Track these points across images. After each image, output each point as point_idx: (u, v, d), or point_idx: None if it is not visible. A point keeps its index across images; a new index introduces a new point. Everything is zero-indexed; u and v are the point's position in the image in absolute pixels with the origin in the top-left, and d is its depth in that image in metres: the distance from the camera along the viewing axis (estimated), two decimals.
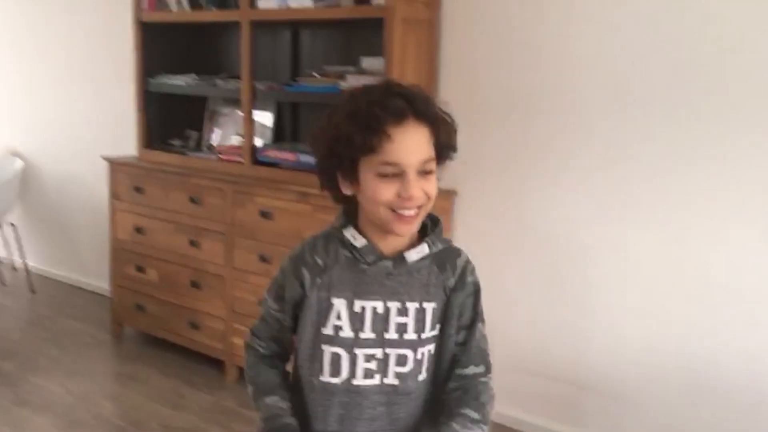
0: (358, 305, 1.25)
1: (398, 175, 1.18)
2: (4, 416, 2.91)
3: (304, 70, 3.33)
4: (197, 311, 3.35)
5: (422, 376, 1.28)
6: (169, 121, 3.67)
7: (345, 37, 3.24)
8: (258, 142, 3.34)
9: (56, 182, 4.57)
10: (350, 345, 1.25)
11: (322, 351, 1.26)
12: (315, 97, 3.07)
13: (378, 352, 1.25)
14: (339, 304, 1.25)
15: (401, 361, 1.26)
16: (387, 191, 1.18)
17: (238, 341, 3.22)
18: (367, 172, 1.19)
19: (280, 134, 3.45)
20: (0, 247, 4.67)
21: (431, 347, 1.28)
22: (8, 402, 3.03)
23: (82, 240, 4.50)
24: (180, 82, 3.44)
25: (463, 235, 2.96)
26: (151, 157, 3.52)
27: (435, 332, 1.28)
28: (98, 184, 3.92)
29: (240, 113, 3.27)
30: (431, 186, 1.21)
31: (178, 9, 3.36)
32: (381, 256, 1.26)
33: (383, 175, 1.18)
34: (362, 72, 2.97)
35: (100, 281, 4.28)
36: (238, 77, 3.22)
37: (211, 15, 3.27)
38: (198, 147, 3.60)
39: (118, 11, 3.87)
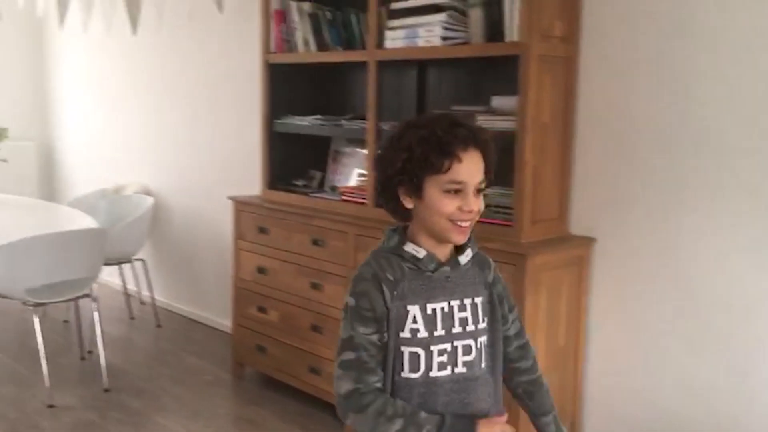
0: (429, 308, 1.42)
1: (459, 191, 1.38)
2: None
3: (429, 109, 3.22)
4: (318, 356, 3.27)
5: (484, 363, 1.48)
6: (293, 161, 3.66)
7: (474, 75, 3.11)
8: None
9: (184, 219, 4.68)
10: (426, 344, 1.41)
11: (402, 352, 1.41)
12: None
13: (448, 346, 1.43)
14: (413, 310, 1.41)
15: (466, 351, 1.45)
16: (450, 205, 1.38)
17: None
18: (432, 188, 1.38)
19: None
20: (130, 282, 4.82)
21: (485, 337, 1.48)
22: None
23: (206, 277, 4.57)
24: (305, 122, 3.42)
25: (602, 284, 2.74)
26: (275, 197, 3.50)
27: (486, 323, 1.49)
28: (223, 223, 3.95)
29: (363, 153, 3.20)
30: (481, 203, 1.42)
31: (305, 50, 3.35)
32: (440, 263, 1.45)
33: (448, 191, 1.38)
34: (492, 111, 2.83)
35: (221, 317, 4.32)
36: (362, 117, 3.15)
37: (339, 56, 3.23)
38: (321, 187, 3.56)
39: (247, 54, 3.93)
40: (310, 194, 3.40)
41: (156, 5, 4.21)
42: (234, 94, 4.21)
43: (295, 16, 3.36)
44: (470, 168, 1.38)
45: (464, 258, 1.48)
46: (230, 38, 4.24)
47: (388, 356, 1.41)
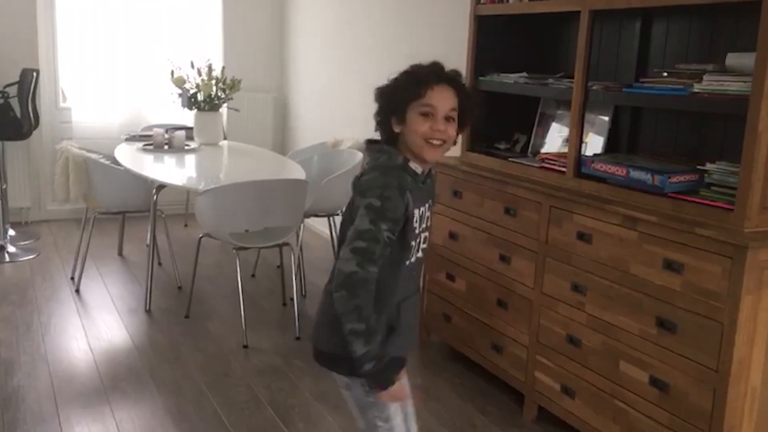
0: (420, 211, 1.76)
1: (431, 114, 1.72)
2: (303, 411, 2.95)
3: (652, 68, 2.78)
4: (501, 333, 3.04)
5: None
6: (498, 122, 3.40)
7: (707, 29, 2.61)
8: (590, 150, 2.90)
9: None
10: (416, 236, 1.77)
11: (410, 244, 1.75)
12: (659, 101, 2.51)
13: (421, 238, 1.80)
14: (416, 212, 1.74)
15: (425, 240, 1.83)
16: (424, 125, 1.72)
17: (541, 376, 2.83)
18: (411, 113, 1.72)
19: (615, 143, 2.95)
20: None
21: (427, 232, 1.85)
22: (310, 395, 3.07)
23: None
24: (509, 80, 3.14)
25: None
26: (473, 160, 3.28)
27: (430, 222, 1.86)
28: None
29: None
30: (452, 129, 1.75)
31: (516, 0, 3.06)
32: (425, 177, 1.80)
33: (423, 114, 1.72)
34: (725, 71, 2.34)
35: None
36: (573, 77, 2.80)
37: (550, 5, 2.89)
38: (524, 152, 3.27)
39: (460, 6, 3.72)
40: (510, 159, 3.13)
41: None
42: (443, 48, 4.03)
43: None
44: (440, 96, 1.72)
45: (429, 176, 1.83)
46: None
47: (404, 247, 1.73)
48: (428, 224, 1.84)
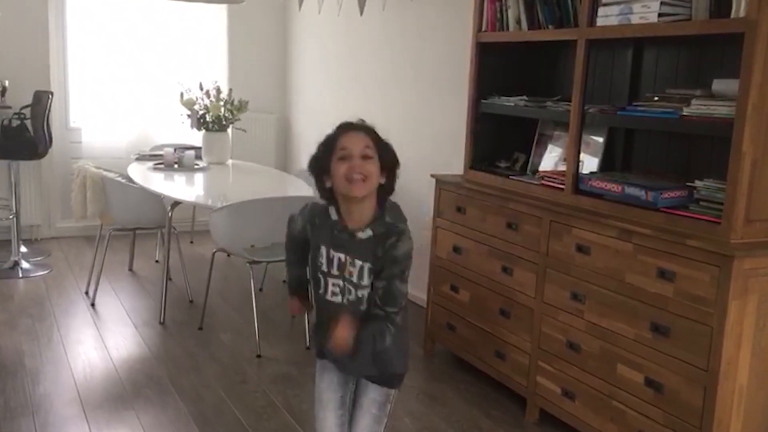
0: (330, 253, 1.96)
1: (347, 157, 1.90)
2: None
3: (644, 92, 2.99)
4: (504, 341, 3.22)
5: (363, 306, 1.98)
6: (498, 142, 3.61)
7: (695, 56, 2.83)
8: (586, 169, 3.10)
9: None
10: (323, 272, 1.99)
11: (316, 273, 2.01)
12: (651, 123, 2.72)
13: (340, 283, 1.97)
14: (322, 248, 1.97)
15: (350, 294, 1.98)
16: (343, 167, 1.90)
17: (543, 380, 3.01)
18: (333, 164, 1.92)
19: (609, 162, 3.15)
20: None
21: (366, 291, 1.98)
22: None
23: None
24: (510, 103, 3.35)
25: None
26: (475, 177, 3.48)
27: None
28: (426, 200, 4.02)
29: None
30: (372, 166, 1.92)
31: (516, 29, 3.27)
32: (349, 232, 1.96)
33: (341, 159, 1.90)
34: (711, 96, 2.55)
35: (419, 291, 4.40)
36: (569, 100, 3.01)
37: (548, 34, 3.11)
38: (524, 170, 3.48)
39: (460, 33, 3.93)
40: (510, 176, 3.33)
41: None
42: (445, 73, 4.24)
43: None
44: (351, 139, 1.92)
45: (362, 234, 1.95)
46: (445, 19, 4.27)
47: (312, 268, 2.02)
48: (353, 279, 1.95)
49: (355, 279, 1.96)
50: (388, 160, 1.97)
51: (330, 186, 1.95)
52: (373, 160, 1.92)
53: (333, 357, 2.06)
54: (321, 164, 1.95)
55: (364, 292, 1.97)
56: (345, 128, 1.96)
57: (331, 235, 1.96)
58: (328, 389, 2.12)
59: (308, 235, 2.02)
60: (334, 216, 1.97)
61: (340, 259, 1.95)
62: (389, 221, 1.97)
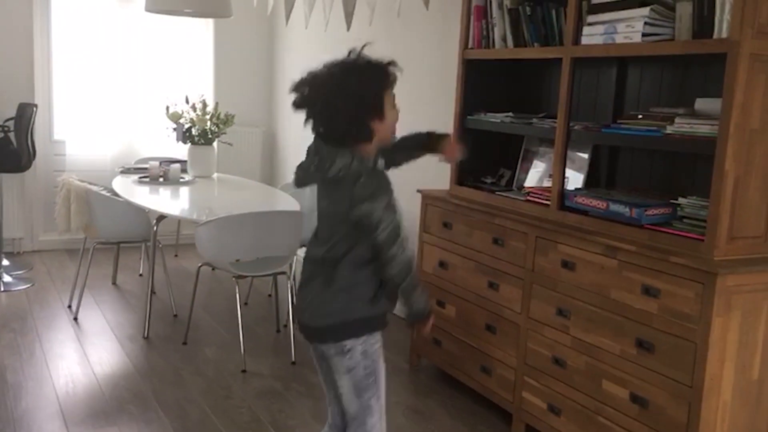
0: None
1: (395, 106, 1.92)
2: (303, 431, 3.10)
3: (628, 110, 3.03)
4: (490, 356, 3.23)
5: None
6: (484, 158, 3.64)
7: (678, 76, 2.87)
8: (571, 185, 3.13)
9: None
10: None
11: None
12: (635, 141, 2.75)
13: None
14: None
15: None
16: (395, 114, 1.93)
17: (528, 396, 3.02)
18: (387, 106, 1.87)
19: (594, 178, 3.18)
20: None
21: None
22: (309, 416, 3.22)
23: None
24: (496, 119, 3.38)
25: None
26: (461, 193, 3.50)
27: None
28: (412, 216, 4.03)
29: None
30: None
31: (502, 46, 3.31)
32: None
33: (393, 106, 1.90)
34: (694, 115, 2.59)
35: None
36: (555, 117, 3.04)
37: (533, 52, 3.15)
38: (509, 186, 3.50)
39: (446, 50, 3.97)
40: (496, 192, 3.35)
41: (369, 3, 4.39)
42: (432, 89, 4.27)
43: (495, 12, 3.33)
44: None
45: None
46: (432, 35, 4.30)
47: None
48: None
49: None
50: None
51: (374, 130, 1.87)
52: None
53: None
54: (376, 104, 1.84)
55: None
56: (389, 74, 1.90)
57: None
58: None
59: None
60: (382, 165, 1.94)
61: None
62: None
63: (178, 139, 5.06)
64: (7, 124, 4.93)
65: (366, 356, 2.05)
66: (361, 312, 2.02)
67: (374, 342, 2.07)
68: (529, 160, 3.50)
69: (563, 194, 2.96)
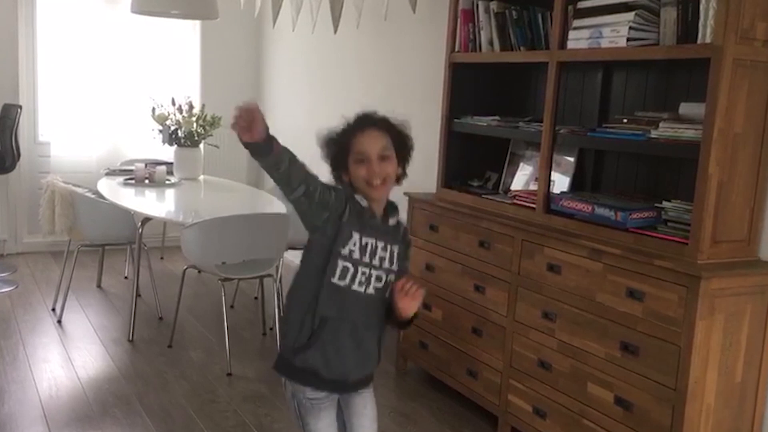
0: (362, 240, 1.87)
1: (365, 160, 1.86)
2: None
3: (613, 114, 3.05)
4: (476, 359, 3.23)
5: (386, 294, 1.93)
6: (471, 161, 3.64)
7: (663, 80, 2.89)
8: (557, 188, 3.14)
9: None
10: (352, 260, 1.87)
11: (336, 261, 1.85)
12: (620, 145, 2.77)
13: (367, 271, 1.89)
14: (355, 235, 1.86)
15: (378, 281, 1.91)
16: (361, 170, 1.87)
17: (514, 399, 3.02)
18: (351, 164, 1.88)
19: (580, 182, 3.20)
20: None
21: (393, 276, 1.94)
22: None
23: None
24: (482, 123, 3.38)
25: None
26: (448, 196, 3.51)
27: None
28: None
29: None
30: (390, 167, 1.88)
31: (488, 50, 3.32)
32: (379, 218, 1.92)
33: (357, 162, 1.87)
34: (679, 119, 2.61)
35: None
36: (541, 120, 3.05)
37: (519, 55, 3.16)
38: (496, 189, 3.51)
39: (433, 54, 3.97)
40: (483, 195, 3.36)
41: (356, 6, 4.39)
42: (419, 92, 4.27)
43: (481, 16, 3.34)
44: (369, 142, 1.86)
45: (392, 220, 1.96)
46: (419, 39, 4.31)
47: (329, 257, 1.85)
48: (383, 265, 1.89)
49: (386, 264, 1.90)
50: (405, 151, 1.93)
51: (348, 180, 1.90)
52: (391, 158, 1.88)
53: (332, 373, 1.91)
54: (338, 163, 1.90)
55: (392, 277, 1.91)
56: (361, 125, 1.88)
57: (361, 222, 1.86)
58: (330, 428, 1.98)
59: (337, 215, 1.83)
60: (363, 203, 1.88)
61: (371, 245, 1.87)
62: (394, 205, 1.98)
63: (164, 141, 5.03)
64: None
65: (295, 399, 1.96)
66: (285, 350, 1.95)
67: (305, 392, 1.94)
68: (516, 164, 3.51)
69: (549, 197, 2.97)
